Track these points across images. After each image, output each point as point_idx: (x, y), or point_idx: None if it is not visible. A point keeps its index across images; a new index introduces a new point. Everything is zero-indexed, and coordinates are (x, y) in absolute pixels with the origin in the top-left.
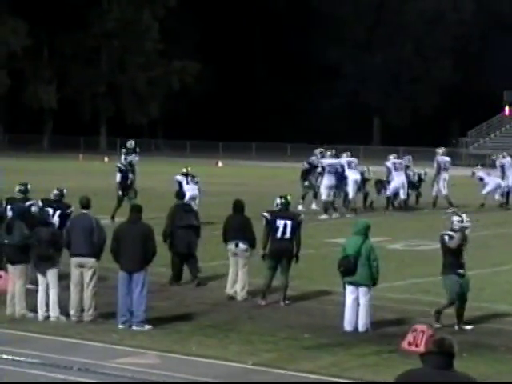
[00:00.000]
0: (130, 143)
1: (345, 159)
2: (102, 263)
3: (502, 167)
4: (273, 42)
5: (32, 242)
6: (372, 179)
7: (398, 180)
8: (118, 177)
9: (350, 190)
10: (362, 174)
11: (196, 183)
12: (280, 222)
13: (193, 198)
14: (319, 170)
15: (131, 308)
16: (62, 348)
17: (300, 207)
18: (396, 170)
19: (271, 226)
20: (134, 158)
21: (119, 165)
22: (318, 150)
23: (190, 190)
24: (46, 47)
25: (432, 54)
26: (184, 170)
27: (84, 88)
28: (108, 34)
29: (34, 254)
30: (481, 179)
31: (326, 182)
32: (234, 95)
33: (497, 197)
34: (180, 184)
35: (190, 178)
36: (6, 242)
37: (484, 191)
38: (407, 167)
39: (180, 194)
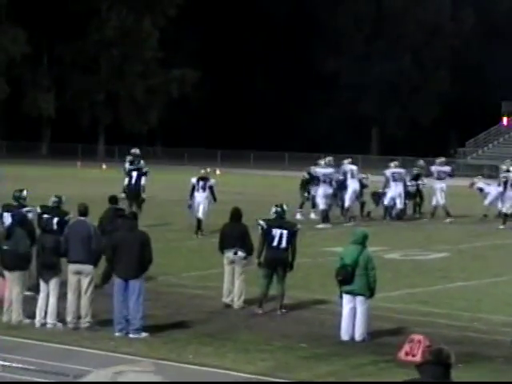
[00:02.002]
0: (136, 150)
1: (348, 167)
2: (99, 270)
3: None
4: (272, 52)
5: (37, 249)
6: (370, 186)
7: (394, 190)
8: (144, 180)
9: (347, 198)
10: (359, 180)
11: (209, 187)
12: (276, 232)
13: (199, 204)
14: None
15: (127, 315)
16: (59, 355)
17: (298, 216)
18: (394, 180)
19: (267, 235)
20: (138, 165)
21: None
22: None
23: (196, 197)
24: (45, 55)
25: (430, 65)
26: (202, 172)
27: (83, 96)
28: (107, 42)
29: (38, 261)
30: (480, 190)
31: (322, 191)
32: (232, 104)
33: (500, 205)
34: (193, 188)
35: (201, 184)
36: (4, 247)
37: (486, 202)
38: (419, 175)
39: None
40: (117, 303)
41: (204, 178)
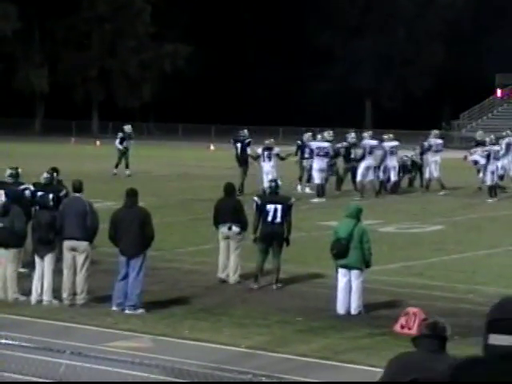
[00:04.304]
0: (128, 127)
1: (368, 142)
2: (95, 246)
3: (509, 146)
4: (265, 26)
5: (33, 225)
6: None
7: (366, 163)
8: (249, 149)
9: (359, 173)
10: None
11: (275, 155)
12: (270, 207)
13: (267, 174)
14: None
15: (127, 292)
16: (55, 332)
17: (299, 188)
18: (370, 153)
19: (261, 210)
20: (128, 142)
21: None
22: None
23: (264, 167)
24: (37, 31)
25: (424, 38)
26: (267, 142)
27: (76, 72)
28: (100, 17)
29: (34, 237)
30: (475, 162)
31: (316, 165)
32: (225, 78)
33: (495, 179)
34: (259, 158)
35: (266, 154)
36: (0, 225)
37: (481, 174)
38: (422, 151)
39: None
40: (119, 279)
41: (269, 148)
